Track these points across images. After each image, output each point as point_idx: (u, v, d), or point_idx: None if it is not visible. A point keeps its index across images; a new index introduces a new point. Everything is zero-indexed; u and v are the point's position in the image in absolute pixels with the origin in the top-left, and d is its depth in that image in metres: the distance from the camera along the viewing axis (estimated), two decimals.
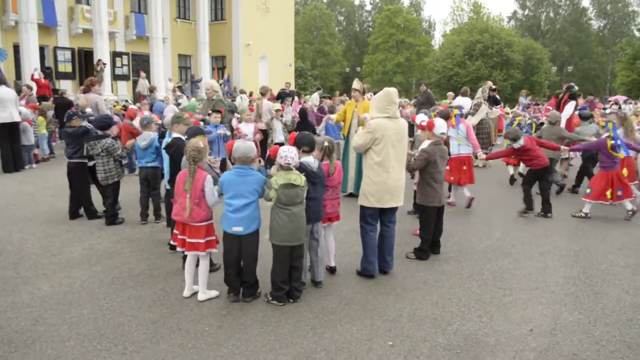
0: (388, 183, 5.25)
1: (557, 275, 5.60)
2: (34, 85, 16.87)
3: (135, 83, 23.73)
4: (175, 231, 4.97)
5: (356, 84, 9.06)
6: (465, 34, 50.82)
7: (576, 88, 11.60)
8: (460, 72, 46.35)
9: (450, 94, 17.91)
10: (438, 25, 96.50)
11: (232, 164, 4.86)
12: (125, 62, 25.99)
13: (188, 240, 4.79)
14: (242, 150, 4.64)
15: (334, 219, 5.38)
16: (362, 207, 5.40)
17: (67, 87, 22.26)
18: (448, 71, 47.84)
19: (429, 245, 6.06)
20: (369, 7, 75.60)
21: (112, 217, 7.37)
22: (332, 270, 5.49)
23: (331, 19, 66.44)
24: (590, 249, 6.54)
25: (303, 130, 11.89)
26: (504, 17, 65.15)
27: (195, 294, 4.88)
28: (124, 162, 7.61)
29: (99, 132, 7.28)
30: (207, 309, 4.59)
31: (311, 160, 4.93)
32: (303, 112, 11.18)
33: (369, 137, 5.20)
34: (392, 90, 5.41)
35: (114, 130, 7.60)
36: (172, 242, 5.16)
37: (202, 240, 4.76)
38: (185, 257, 5.54)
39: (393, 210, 5.46)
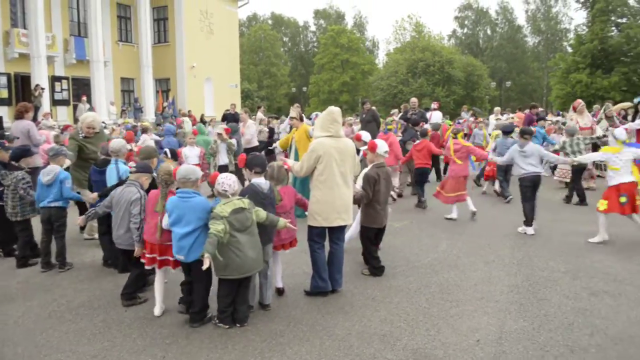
0: (334, 202, 5.25)
1: (502, 284, 5.71)
2: None
3: (75, 108, 23.09)
4: (143, 250, 4.98)
5: (293, 112, 9.15)
6: (408, 53, 52.00)
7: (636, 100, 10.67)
8: (404, 89, 47.28)
9: (395, 110, 18.24)
10: (381, 44, 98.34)
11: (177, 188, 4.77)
12: (65, 86, 25.24)
13: (159, 258, 4.83)
14: (182, 172, 4.63)
15: (287, 246, 5.34)
16: (310, 227, 5.39)
17: (3, 113, 21.40)
18: (392, 89, 48.74)
19: (379, 260, 6.10)
20: (313, 28, 76.57)
21: (22, 258, 6.56)
22: (280, 292, 5.42)
23: (276, 40, 66.80)
24: (533, 256, 6.72)
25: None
26: (444, 35, 67.01)
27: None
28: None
29: (14, 163, 6.61)
30: (150, 339, 4.42)
31: (262, 181, 4.93)
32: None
33: (312, 155, 5.22)
34: (335, 110, 5.45)
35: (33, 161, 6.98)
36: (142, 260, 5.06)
37: (172, 258, 4.80)
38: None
39: (341, 228, 5.48)
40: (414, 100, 14.57)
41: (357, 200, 5.78)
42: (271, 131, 16.34)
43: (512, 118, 16.48)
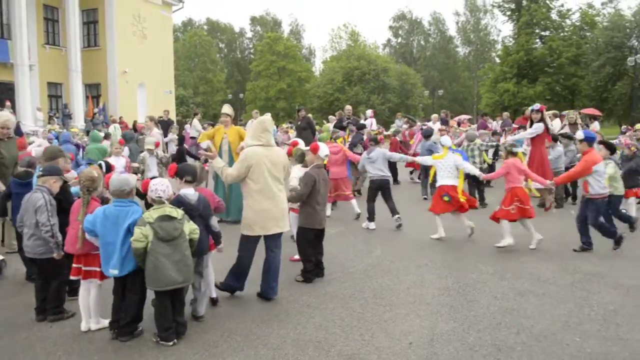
0: (272, 210, 5.26)
1: (433, 287, 5.85)
2: None
3: None
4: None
5: (227, 108, 9.12)
6: (344, 61, 52.75)
7: (531, 107, 10.77)
8: (341, 97, 47.92)
9: (332, 117, 18.50)
10: (318, 52, 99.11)
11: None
12: None
13: (84, 268, 4.62)
14: (116, 184, 4.48)
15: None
16: (247, 236, 5.35)
17: None
18: (329, 96, 49.33)
19: (313, 265, 6.09)
20: (249, 35, 76.24)
21: None
22: (213, 302, 5.32)
23: (212, 45, 65.98)
24: (463, 259, 6.93)
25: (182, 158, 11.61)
26: (379, 44, 68.43)
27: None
28: None
29: None
30: (76, 356, 4.24)
31: (190, 192, 4.79)
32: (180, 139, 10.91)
33: (244, 164, 5.21)
34: (267, 119, 5.51)
35: None
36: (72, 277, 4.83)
37: (98, 269, 4.60)
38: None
39: (278, 235, 5.47)
40: (348, 107, 14.96)
41: (292, 198, 5.87)
42: (181, 139, 15.84)
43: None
